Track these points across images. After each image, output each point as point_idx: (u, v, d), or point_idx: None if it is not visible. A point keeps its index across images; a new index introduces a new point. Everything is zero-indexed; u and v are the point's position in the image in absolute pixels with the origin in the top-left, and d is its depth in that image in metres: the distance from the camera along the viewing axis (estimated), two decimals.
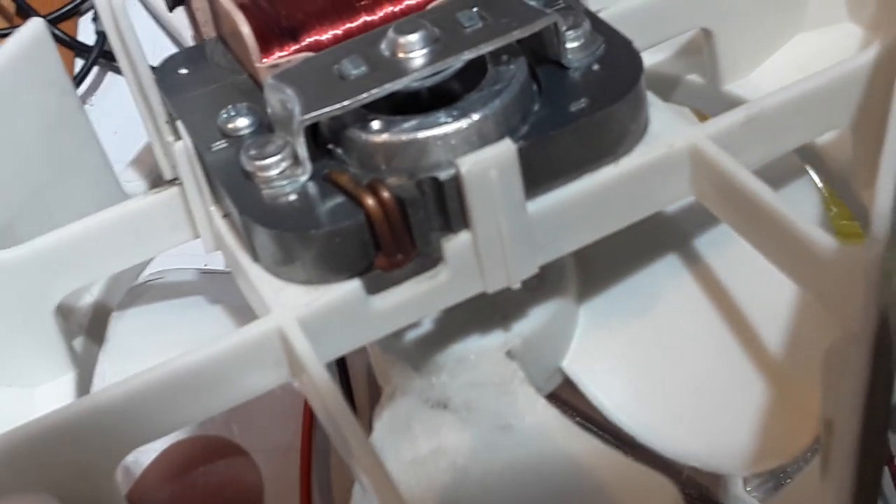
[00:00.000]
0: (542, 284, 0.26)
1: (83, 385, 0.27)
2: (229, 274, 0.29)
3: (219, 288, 0.29)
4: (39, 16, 0.63)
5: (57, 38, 0.36)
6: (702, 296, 0.26)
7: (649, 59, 0.28)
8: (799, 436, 0.24)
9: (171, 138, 0.26)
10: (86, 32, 0.62)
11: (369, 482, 0.19)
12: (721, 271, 0.26)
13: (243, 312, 0.28)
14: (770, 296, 0.25)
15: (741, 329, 0.25)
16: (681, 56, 0.31)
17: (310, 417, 0.42)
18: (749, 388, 0.25)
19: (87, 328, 0.28)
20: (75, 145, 0.28)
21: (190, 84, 0.26)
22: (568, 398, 0.25)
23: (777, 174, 0.27)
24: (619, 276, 0.27)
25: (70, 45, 0.61)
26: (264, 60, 0.25)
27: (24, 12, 0.64)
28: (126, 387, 0.21)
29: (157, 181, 0.31)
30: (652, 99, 0.24)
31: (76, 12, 0.63)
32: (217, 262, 0.30)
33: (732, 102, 0.30)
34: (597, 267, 0.27)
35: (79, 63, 0.60)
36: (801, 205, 0.27)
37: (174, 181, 0.26)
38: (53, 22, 0.62)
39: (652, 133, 0.24)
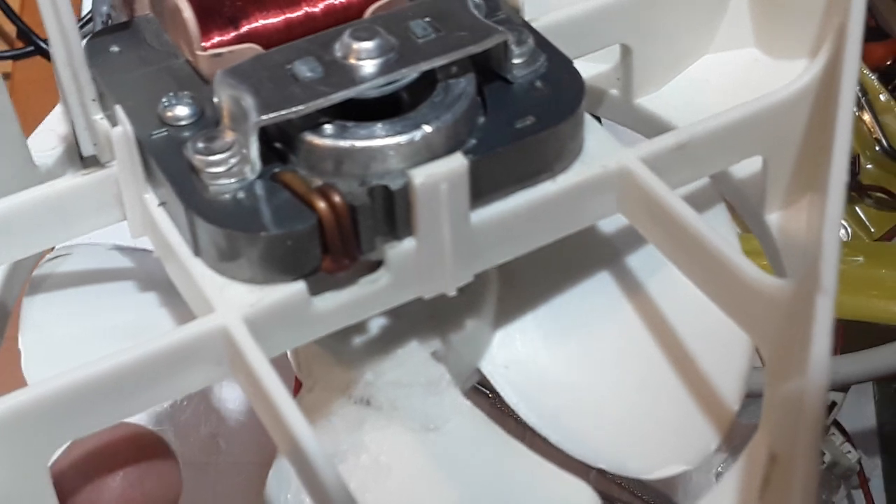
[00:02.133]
0: (468, 288, 0.27)
1: None
2: (140, 250, 0.28)
3: (136, 265, 0.29)
4: (41, 39, 0.63)
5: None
6: (623, 311, 0.27)
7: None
8: (703, 445, 0.26)
9: (97, 116, 0.25)
10: None
11: (313, 478, 0.20)
12: (644, 284, 0.28)
13: (162, 289, 0.28)
14: (690, 311, 0.26)
15: (660, 345, 0.27)
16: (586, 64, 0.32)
17: None
18: (660, 397, 0.26)
19: None
20: None
21: (123, 64, 0.26)
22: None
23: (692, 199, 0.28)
24: (538, 287, 0.28)
25: None
26: (205, 46, 0.25)
27: (25, 35, 0.63)
28: (64, 381, 0.21)
29: (69, 153, 0.30)
30: (587, 118, 0.25)
31: None
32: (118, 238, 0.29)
33: (642, 116, 0.31)
34: (517, 272, 0.28)
35: None
36: (719, 229, 0.29)
37: (85, 164, 0.25)
38: None
39: (587, 151, 0.25)
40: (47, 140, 0.29)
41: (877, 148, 0.53)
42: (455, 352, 0.27)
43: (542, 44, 0.25)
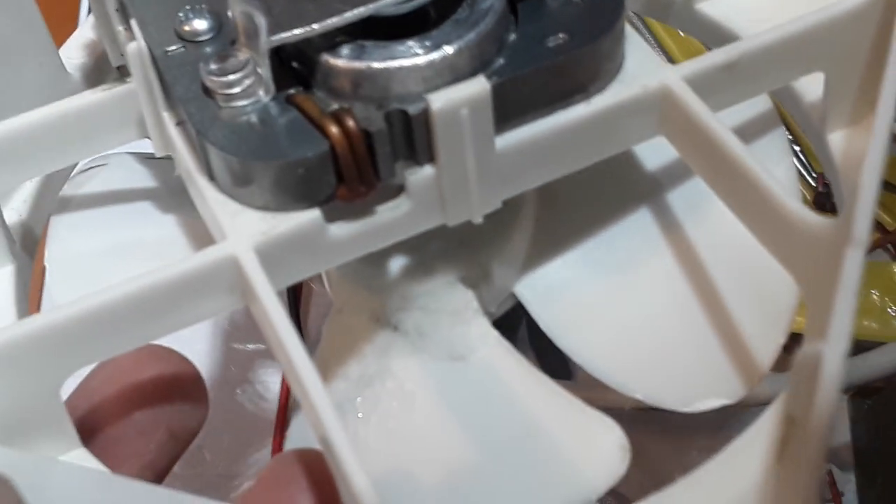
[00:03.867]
0: (499, 213, 0.26)
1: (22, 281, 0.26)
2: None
3: (163, 176, 0.28)
4: None
5: None
6: (665, 243, 0.26)
7: None
8: (742, 383, 0.25)
9: (120, 27, 0.25)
10: None
11: (314, 413, 0.19)
12: (687, 224, 0.26)
13: (189, 208, 0.27)
14: (735, 249, 0.25)
15: (702, 280, 0.25)
16: None
17: (280, 440, 0.42)
18: (701, 333, 0.25)
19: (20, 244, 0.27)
20: (17, 27, 0.26)
21: None
22: None
23: (750, 125, 0.26)
24: (580, 214, 0.27)
25: None
26: None
27: None
28: (76, 308, 0.20)
29: (100, 61, 0.29)
30: (629, 34, 0.23)
31: None
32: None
33: (704, 22, 0.29)
34: (558, 197, 0.27)
35: None
36: (771, 161, 0.27)
37: (121, 73, 0.25)
38: None
39: (627, 71, 0.23)
40: (80, 48, 0.28)
41: None
42: (488, 277, 0.26)
43: None
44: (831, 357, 0.16)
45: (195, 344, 0.48)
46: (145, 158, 0.29)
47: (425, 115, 0.21)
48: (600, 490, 0.22)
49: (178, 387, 0.24)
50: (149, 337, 0.22)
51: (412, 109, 0.21)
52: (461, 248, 0.26)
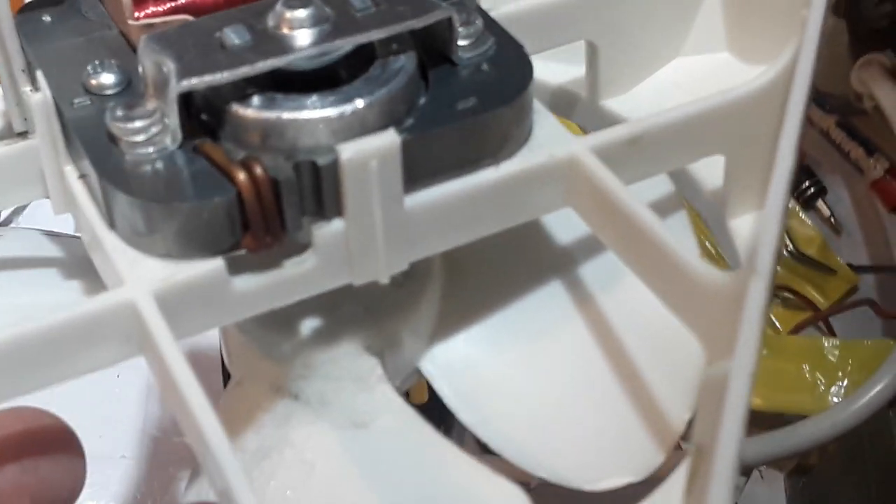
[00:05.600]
0: (407, 282, 0.26)
1: None
2: (76, 238, 0.27)
3: (65, 251, 0.28)
4: None
5: None
6: (575, 316, 0.26)
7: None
8: (650, 457, 0.24)
9: (27, 88, 0.24)
10: None
11: (216, 466, 0.18)
12: (597, 296, 0.26)
13: (90, 279, 0.26)
14: (641, 324, 0.25)
15: (611, 352, 0.25)
16: (563, 67, 0.30)
17: None
18: (610, 406, 0.25)
19: None
20: None
21: (53, 33, 0.25)
22: None
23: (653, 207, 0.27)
24: (488, 287, 0.27)
25: None
26: (137, 16, 0.24)
27: None
28: None
29: (4, 132, 0.29)
30: (538, 106, 0.24)
31: None
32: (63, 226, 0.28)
33: (609, 118, 0.30)
34: (465, 271, 0.27)
35: None
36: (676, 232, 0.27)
37: (25, 134, 0.24)
38: None
39: (535, 140, 0.24)
40: None
41: (784, 252, 0.56)
42: (392, 348, 0.25)
43: (492, 27, 0.24)
44: (738, 372, 0.16)
45: None
46: (44, 233, 0.29)
47: (334, 166, 0.21)
48: None
49: (45, 442, 0.23)
50: (32, 386, 0.20)
51: (321, 160, 0.21)
52: (368, 315, 0.25)
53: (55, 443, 0.23)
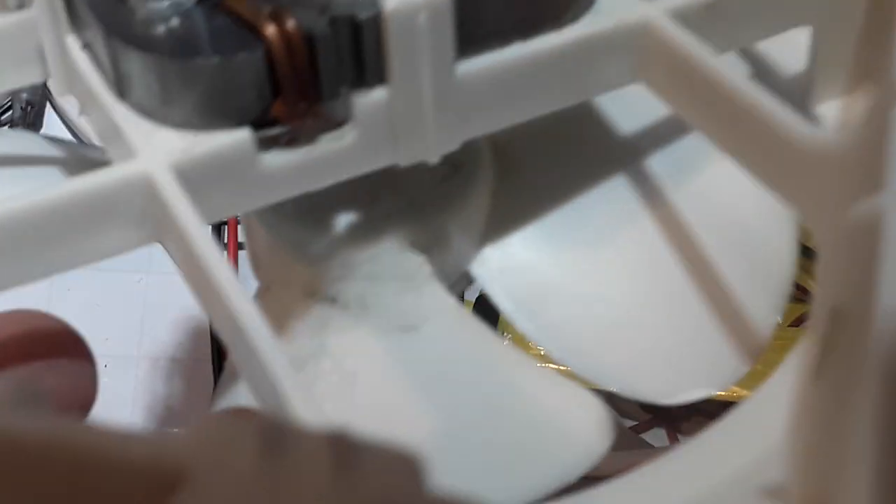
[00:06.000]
0: (455, 174, 0.23)
1: None
2: (83, 143, 0.24)
3: (68, 153, 0.25)
4: None
5: None
6: (642, 215, 0.23)
7: None
8: (732, 367, 0.21)
9: None
10: None
11: (258, 362, 0.16)
12: (667, 192, 0.23)
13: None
14: (719, 215, 0.22)
15: (685, 253, 0.22)
16: None
17: None
18: (686, 312, 0.22)
19: None
20: None
21: None
22: None
23: None
24: (543, 184, 0.24)
25: None
26: None
27: None
28: None
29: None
30: None
31: None
32: None
33: None
34: (518, 165, 0.24)
35: None
36: None
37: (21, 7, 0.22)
38: None
39: (602, 3, 0.21)
40: None
41: None
42: (439, 247, 0.22)
43: None
44: None
45: None
46: (47, 137, 0.26)
47: (376, 20, 0.18)
48: (578, 470, 0.19)
49: (51, 343, 0.20)
50: (32, 273, 0.18)
51: (362, 14, 0.18)
52: (412, 209, 0.22)
53: (63, 346, 0.20)
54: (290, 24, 0.18)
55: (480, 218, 0.23)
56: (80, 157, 0.25)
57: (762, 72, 0.25)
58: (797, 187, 0.18)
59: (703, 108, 0.20)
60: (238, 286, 0.16)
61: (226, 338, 0.17)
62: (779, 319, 0.22)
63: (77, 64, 0.20)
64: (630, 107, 0.24)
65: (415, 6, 0.18)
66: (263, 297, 0.23)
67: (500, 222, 0.23)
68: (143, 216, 0.18)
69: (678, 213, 0.23)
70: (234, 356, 0.17)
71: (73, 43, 0.20)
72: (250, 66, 0.18)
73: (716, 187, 0.23)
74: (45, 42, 0.21)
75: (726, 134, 0.20)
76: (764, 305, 0.22)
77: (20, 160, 0.24)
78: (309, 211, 0.22)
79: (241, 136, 0.18)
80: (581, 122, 0.24)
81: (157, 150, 0.18)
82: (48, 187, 0.17)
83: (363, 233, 0.22)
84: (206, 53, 0.18)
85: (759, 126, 0.19)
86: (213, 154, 0.18)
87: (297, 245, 0.22)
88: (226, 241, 0.49)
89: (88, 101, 0.20)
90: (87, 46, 0.20)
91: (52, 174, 0.23)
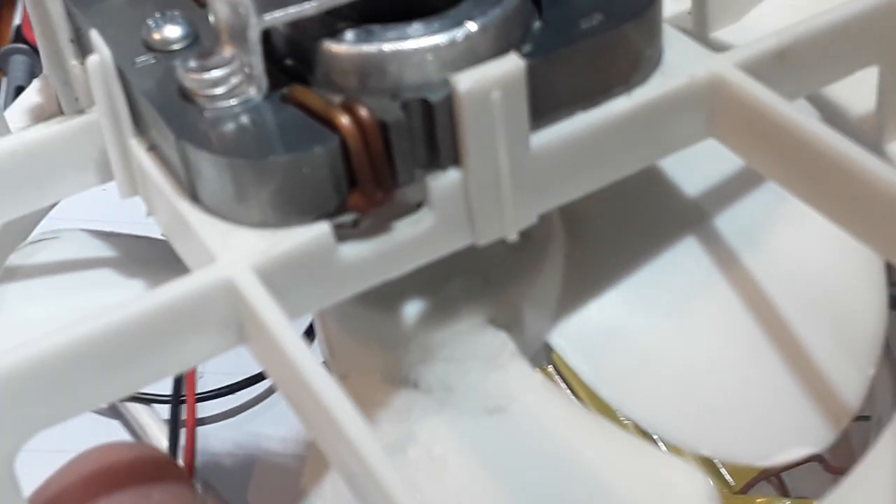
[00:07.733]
0: (526, 245, 0.22)
1: None
2: (138, 237, 0.24)
3: (127, 251, 0.24)
4: None
5: None
6: (719, 277, 0.23)
7: None
8: (828, 426, 0.21)
9: (75, 61, 0.21)
10: None
11: (361, 464, 0.15)
12: (743, 254, 0.23)
13: (156, 278, 0.23)
14: (802, 278, 0.22)
15: (767, 315, 0.22)
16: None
17: None
18: (773, 375, 0.21)
19: None
20: None
21: None
22: None
23: None
24: (615, 249, 0.23)
25: None
26: None
27: None
28: (28, 352, 0.16)
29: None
30: (665, 27, 0.21)
31: None
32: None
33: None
34: (587, 230, 0.23)
35: None
36: None
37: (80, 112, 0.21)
38: None
39: (668, 62, 0.20)
40: (25, 113, 0.25)
41: None
42: (519, 320, 0.22)
43: None
44: None
45: None
46: (102, 234, 0.25)
47: (449, 101, 0.18)
48: None
49: (155, 472, 0.20)
50: (119, 391, 0.17)
51: (434, 97, 0.18)
52: (486, 286, 0.22)
53: (162, 472, 0.20)
54: (364, 113, 0.17)
55: (555, 287, 0.23)
56: (134, 254, 0.24)
57: (830, 114, 0.24)
58: (888, 235, 0.18)
59: (781, 159, 0.20)
60: (332, 382, 0.16)
61: (320, 440, 0.17)
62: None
63: (143, 166, 0.20)
64: (692, 164, 0.24)
65: (488, 83, 0.18)
66: (343, 385, 0.22)
67: (575, 289, 0.23)
68: (227, 321, 0.17)
69: (754, 273, 0.23)
70: (327, 450, 0.17)
71: (136, 146, 0.20)
72: (325, 160, 0.17)
73: (791, 247, 0.22)
74: (108, 144, 0.20)
75: (807, 183, 0.20)
76: (850, 366, 0.21)
77: (76, 265, 0.23)
78: (381, 296, 0.21)
79: (321, 231, 0.18)
80: (647, 183, 0.23)
81: (236, 252, 0.17)
82: (129, 302, 0.17)
83: (439, 313, 0.21)
84: (280, 150, 0.17)
85: (842, 173, 0.18)
86: (295, 252, 0.18)
87: (371, 330, 0.22)
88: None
89: (158, 203, 0.19)
90: (153, 148, 0.20)
91: (113, 278, 0.23)
